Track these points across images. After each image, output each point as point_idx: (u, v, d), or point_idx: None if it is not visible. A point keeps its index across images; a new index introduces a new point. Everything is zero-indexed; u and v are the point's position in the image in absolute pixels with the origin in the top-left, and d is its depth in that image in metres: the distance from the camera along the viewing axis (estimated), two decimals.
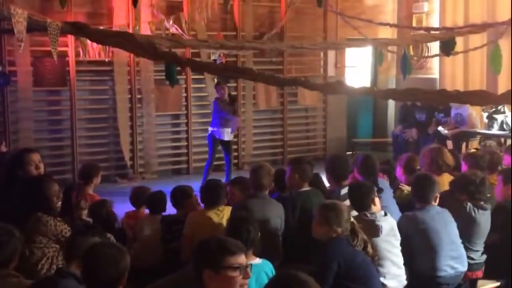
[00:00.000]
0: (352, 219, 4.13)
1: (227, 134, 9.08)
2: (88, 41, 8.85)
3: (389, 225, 4.44)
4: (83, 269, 3.00)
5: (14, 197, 4.88)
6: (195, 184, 5.51)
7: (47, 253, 4.39)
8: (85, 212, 5.12)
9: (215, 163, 9.43)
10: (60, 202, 4.79)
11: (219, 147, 9.27)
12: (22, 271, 4.14)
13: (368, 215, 4.41)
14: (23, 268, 4.25)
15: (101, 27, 8.42)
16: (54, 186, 4.74)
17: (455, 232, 4.70)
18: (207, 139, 9.34)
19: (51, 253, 4.40)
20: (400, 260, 4.44)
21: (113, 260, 2.93)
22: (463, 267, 4.69)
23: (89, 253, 3.00)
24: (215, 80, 9.63)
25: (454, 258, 4.63)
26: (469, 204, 4.85)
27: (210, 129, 9.15)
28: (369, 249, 4.09)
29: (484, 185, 4.98)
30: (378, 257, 4.29)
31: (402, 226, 4.58)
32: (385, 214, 4.48)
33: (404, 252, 4.49)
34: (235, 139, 11.05)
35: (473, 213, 4.82)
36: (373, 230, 4.32)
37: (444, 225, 4.66)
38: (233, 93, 11.08)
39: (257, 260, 3.73)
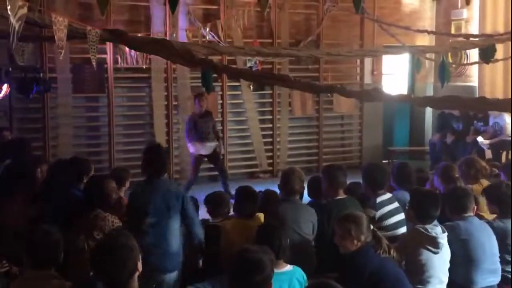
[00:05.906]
0: (371, 227, 4.06)
1: (208, 148, 8.97)
2: (126, 49, 9.00)
3: (446, 242, 4.31)
4: (92, 267, 2.94)
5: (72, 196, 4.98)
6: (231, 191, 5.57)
7: None
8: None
9: (213, 173, 9.58)
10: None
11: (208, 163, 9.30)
12: (81, 266, 4.17)
13: (430, 230, 4.24)
14: (82, 263, 4.28)
15: (139, 35, 8.53)
16: (113, 184, 4.88)
17: (496, 244, 4.57)
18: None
19: None
20: (447, 277, 4.33)
21: (120, 261, 2.82)
22: (497, 280, 4.57)
23: (98, 252, 2.91)
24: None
25: (491, 272, 4.51)
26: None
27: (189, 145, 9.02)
28: (393, 253, 4.05)
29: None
30: (429, 274, 4.20)
31: None
32: (443, 231, 4.31)
33: None
34: (270, 147, 11.05)
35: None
36: (432, 247, 4.22)
37: (487, 237, 4.54)
38: (269, 100, 11.10)
39: (288, 267, 3.75)
